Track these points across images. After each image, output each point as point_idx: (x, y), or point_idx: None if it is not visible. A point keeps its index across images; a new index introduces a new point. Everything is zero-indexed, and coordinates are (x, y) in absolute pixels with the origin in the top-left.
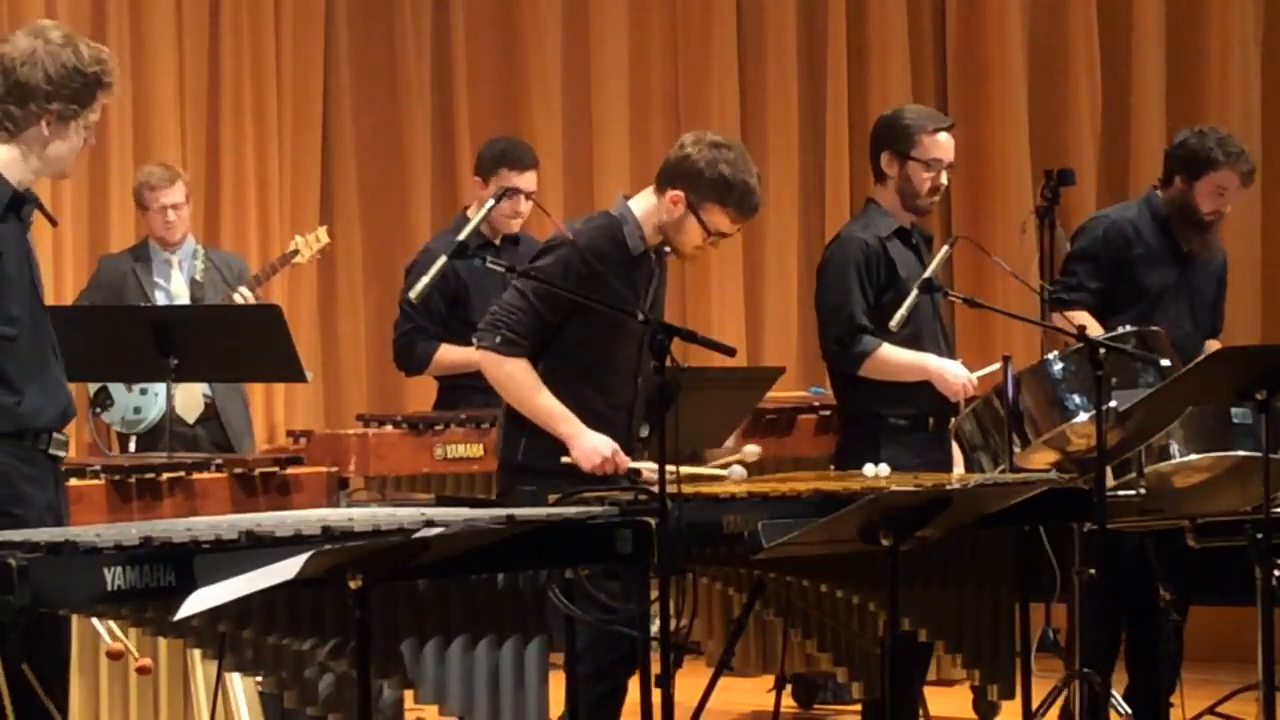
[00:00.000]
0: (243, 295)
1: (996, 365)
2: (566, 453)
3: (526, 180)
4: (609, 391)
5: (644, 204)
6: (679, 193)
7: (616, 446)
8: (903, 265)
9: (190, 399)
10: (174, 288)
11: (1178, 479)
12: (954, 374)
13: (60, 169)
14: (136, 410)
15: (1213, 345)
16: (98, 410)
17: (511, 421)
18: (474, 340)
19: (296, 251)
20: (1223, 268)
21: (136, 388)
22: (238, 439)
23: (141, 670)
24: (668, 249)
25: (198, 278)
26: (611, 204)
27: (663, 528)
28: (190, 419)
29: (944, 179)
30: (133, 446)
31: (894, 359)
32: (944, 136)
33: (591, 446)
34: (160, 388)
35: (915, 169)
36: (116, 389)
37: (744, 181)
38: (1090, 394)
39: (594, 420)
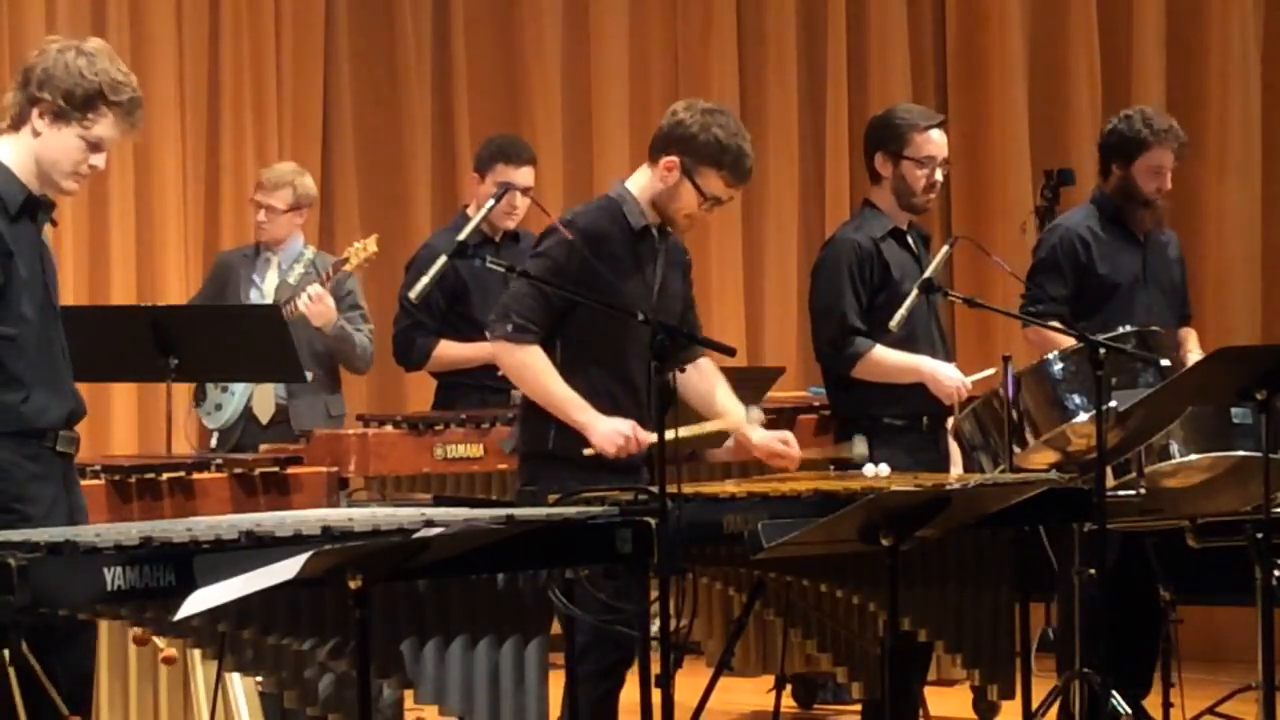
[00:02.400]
0: (309, 294)
1: (992, 370)
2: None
3: (523, 175)
4: (620, 375)
5: (640, 180)
6: (673, 158)
7: (634, 424)
8: (897, 266)
9: (265, 399)
10: (266, 286)
11: (1178, 479)
12: (947, 376)
13: (53, 173)
14: (217, 407)
15: (1188, 333)
16: (197, 405)
17: (536, 410)
18: (487, 334)
19: (347, 259)
20: (1179, 251)
21: (218, 385)
22: None
23: (166, 660)
24: (670, 229)
25: (291, 280)
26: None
27: (663, 528)
28: (264, 419)
29: (939, 176)
30: (214, 443)
31: (887, 361)
32: (936, 133)
33: (610, 430)
34: (239, 386)
35: (909, 168)
36: (206, 384)
37: (738, 145)
38: (1090, 394)
39: (608, 403)
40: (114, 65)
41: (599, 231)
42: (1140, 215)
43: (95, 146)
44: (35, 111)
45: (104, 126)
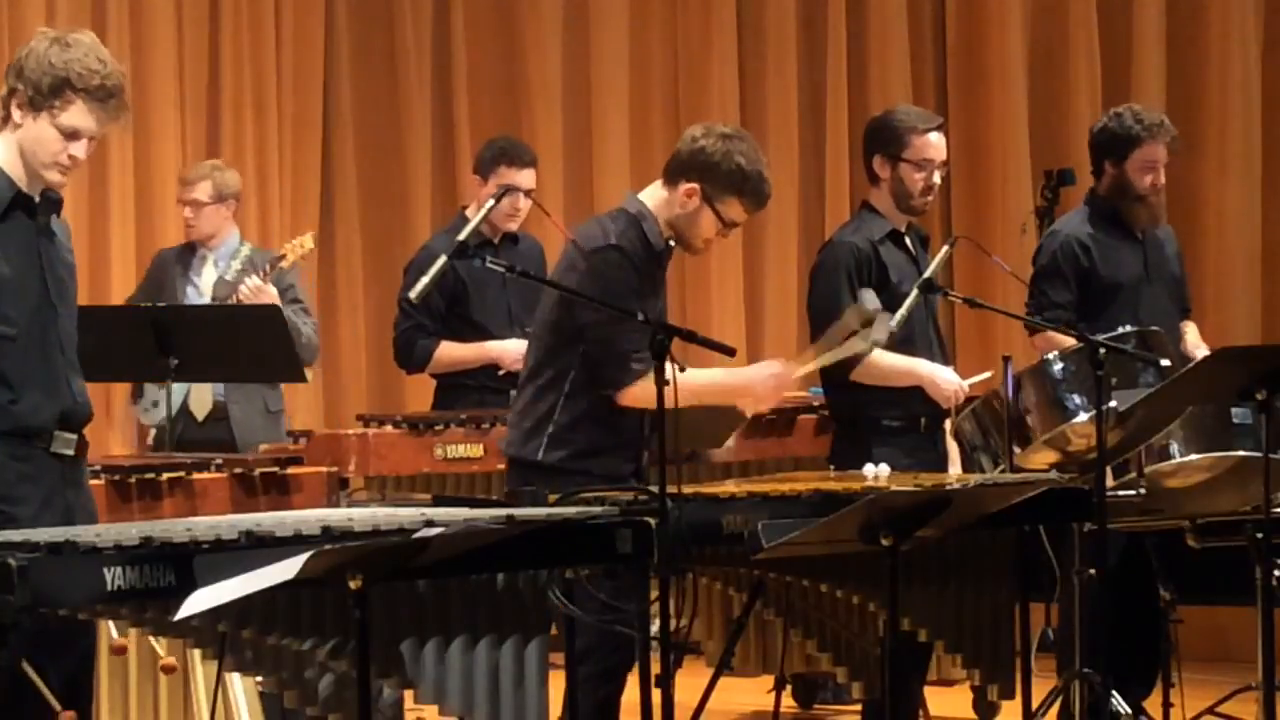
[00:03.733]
0: (248, 285)
1: (989, 374)
2: (591, 454)
3: (525, 178)
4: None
5: (656, 198)
6: (694, 185)
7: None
8: (895, 268)
9: (202, 396)
10: (203, 284)
11: (1178, 479)
12: (945, 380)
13: (33, 163)
14: (154, 404)
15: (1189, 326)
16: (135, 402)
17: (531, 419)
18: (615, 394)
19: (283, 256)
20: (1176, 245)
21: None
22: (245, 444)
23: (166, 669)
24: (674, 244)
25: (228, 277)
26: (615, 203)
27: (663, 528)
28: (200, 416)
29: (937, 178)
30: (150, 440)
31: (885, 364)
32: (935, 136)
33: (770, 379)
34: (175, 385)
35: (907, 170)
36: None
37: (758, 172)
38: (1090, 394)
39: (616, 421)
40: (90, 55)
41: (636, 251)
42: (1136, 212)
43: (72, 135)
44: (13, 103)
45: (73, 115)
